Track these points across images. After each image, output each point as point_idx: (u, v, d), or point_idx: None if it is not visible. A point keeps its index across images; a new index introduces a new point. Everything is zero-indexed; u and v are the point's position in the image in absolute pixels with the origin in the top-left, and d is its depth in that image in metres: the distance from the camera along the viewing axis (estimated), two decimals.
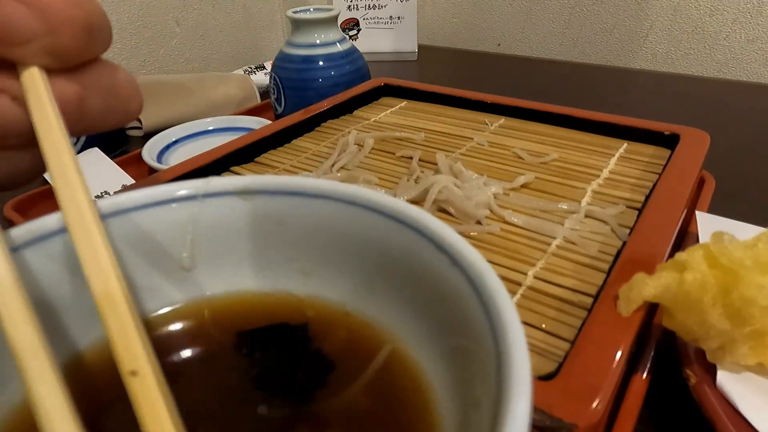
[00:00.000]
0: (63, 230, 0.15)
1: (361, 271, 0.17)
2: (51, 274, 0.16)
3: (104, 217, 0.16)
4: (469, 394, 0.13)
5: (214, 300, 0.19)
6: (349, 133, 0.46)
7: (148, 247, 0.17)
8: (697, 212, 0.33)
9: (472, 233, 0.31)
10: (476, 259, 0.14)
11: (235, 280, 0.19)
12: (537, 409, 0.19)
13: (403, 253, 0.16)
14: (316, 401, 0.16)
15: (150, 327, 0.18)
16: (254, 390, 0.16)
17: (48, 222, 0.15)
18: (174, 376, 0.16)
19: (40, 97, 0.15)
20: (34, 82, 0.15)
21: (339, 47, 0.58)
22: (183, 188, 0.18)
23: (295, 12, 0.57)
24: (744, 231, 0.24)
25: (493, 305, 0.12)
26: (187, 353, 0.17)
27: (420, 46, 0.96)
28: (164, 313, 0.18)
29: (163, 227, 0.17)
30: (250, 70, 0.82)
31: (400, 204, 0.16)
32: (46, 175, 0.48)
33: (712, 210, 0.35)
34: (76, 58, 0.15)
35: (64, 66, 0.15)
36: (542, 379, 0.21)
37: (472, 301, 0.13)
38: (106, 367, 0.16)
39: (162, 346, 0.17)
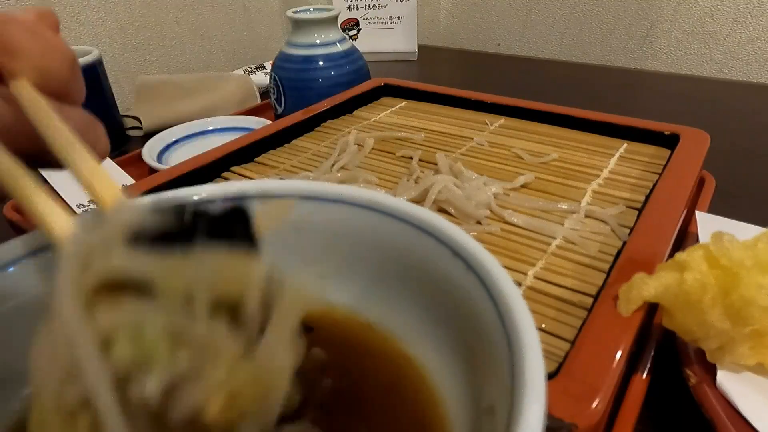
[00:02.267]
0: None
1: (378, 276, 0.17)
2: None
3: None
4: (482, 400, 0.13)
5: None
6: (349, 133, 0.46)
7: None
8: (697, 212, 0.33)
9: (472, 233, 0.31)
10: (492, 264, 0.13)
11: None
12: None
13: (419, 258, 0.16)
14: (328, 404, 0.16)
15: None
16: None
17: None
18: None
19: (33, 96, 0.16)
20: (26, 88, 0.16)
21: (339, 47, 0.58)
22: (203, 192, 0.18)
23: (295, 12, 0.57)
24: (744, 231, 0.24)
25: (507, 310, 0.12)
26: None
27: (420, 46, 0.96)
28: None
29: None
30: (250, 70, 0.82)
31: (417, 209, 0.16)
32: (46, 174, 0.48)
33: (712, 210, 0.35)
34: (61, 86, 0.17)
35: (50, 89, 0.17)
36: None
37: (487, 307, 0.13)
38: None
39: None
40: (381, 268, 0.17)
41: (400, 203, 0.16)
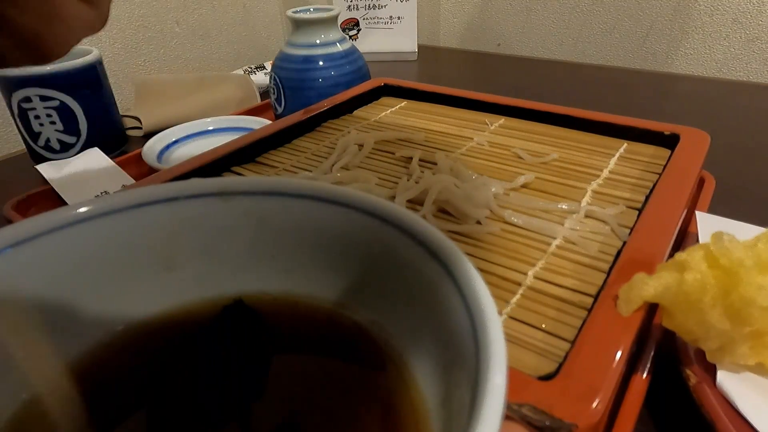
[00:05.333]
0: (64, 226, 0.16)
1: (344, 268, 0.18)
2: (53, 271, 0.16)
3: (84, 219, 0.16)
4: (451, 376, 0.13)
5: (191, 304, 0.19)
6: (349, 133, 0.46)
7: (129, 250, 0.18)
8: (697, 212, 0.33)
9: (472, 233, 0.31)
10: (453, 249, 0.14)
11: (215, 280, 0.19)
12: (537, 409, 0.19)
13: (383, 248, 0.16)
14: (302, 388, 0.16)
15: (128, 331, 0.18)
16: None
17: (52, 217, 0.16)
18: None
19: None
20: None
21: (339, 47, 0.58)
22: (163, 190, 0.18)
23: (295, 12, 0.57)
24: (744, 231, 0.24)
25: (469, 291, 0.13)
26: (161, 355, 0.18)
27: (420, 46, 0.96)
28: (140, 319, 0.18)
29: (144, 229, 0.18)
30: (250, 70, 0.82)
31: (378, 201, 0.16)
32: (46, 174, 0.48)
33: (712, 210, 0.35)
34: None
35: None
36: (542, 379, 0.21)
37: (450, 290, 0.13)
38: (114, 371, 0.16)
39: (137, 350, 0.17)
40: (346, 259, 0.18)
41: (363, 196, 0.17)
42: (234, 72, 0.81)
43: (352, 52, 0.59)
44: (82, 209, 0.16)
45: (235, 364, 0.17)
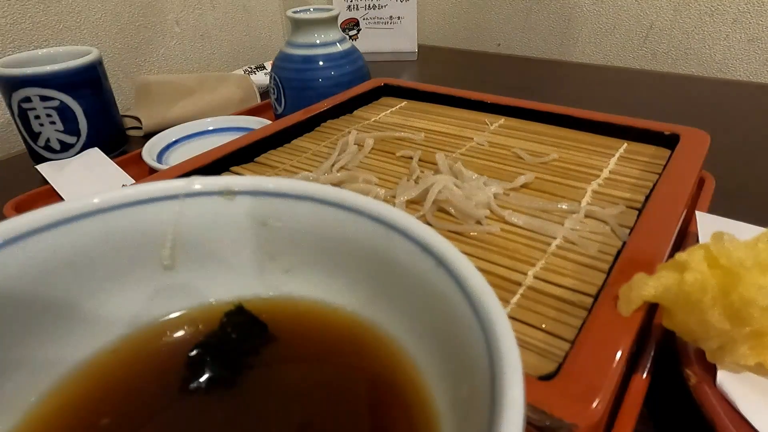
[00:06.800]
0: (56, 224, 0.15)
1: (348, 271, 0.18)
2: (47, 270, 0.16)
3: (84, 216, 0.16)
4: (463, 383, 0.13)
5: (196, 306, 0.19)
6: (349, 133, 0.46)
7: (129, 246, 0.17)
8: (697, 212, 0.33)
9: (472, 233, 0.31)
10: (460, 259, 0.14)
11: (215, 279, 0.19)
12: (537, 409, 0.19)
13: (388, 254, 0.16)
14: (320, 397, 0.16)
15: (129, 334, 0.18)
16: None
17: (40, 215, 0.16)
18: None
19: None
20: None
21: (339, 47, 0.58)
22: (164, 188, 0.17)
23: (295, 12, 0.57)
24: (744, 231, 0.24)
25: (479, 302, 0.13)
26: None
27: (420, 46, 0.96)
28: (140, 321, 0.18)
29: (144, 227, 0.17)
30: (250, 70, 0.82)
31: (385, 207, 0.16)
32: (46, 174, 0.48)
33: (712, 210, 0.35)
34: None
35: None
36: (542, 379, 0.21)
37: (459, 300, 0.13)
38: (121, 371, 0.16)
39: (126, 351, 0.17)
40: (349, 263, 0.18)
41: (365, 200, 0.16)
42: (234, 72, 0.81)
43: (352, 52, 0.59)
44: (78, 205, 0.16)
45: (239, 370, 0.17)
